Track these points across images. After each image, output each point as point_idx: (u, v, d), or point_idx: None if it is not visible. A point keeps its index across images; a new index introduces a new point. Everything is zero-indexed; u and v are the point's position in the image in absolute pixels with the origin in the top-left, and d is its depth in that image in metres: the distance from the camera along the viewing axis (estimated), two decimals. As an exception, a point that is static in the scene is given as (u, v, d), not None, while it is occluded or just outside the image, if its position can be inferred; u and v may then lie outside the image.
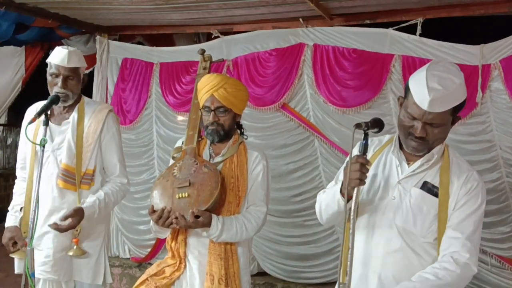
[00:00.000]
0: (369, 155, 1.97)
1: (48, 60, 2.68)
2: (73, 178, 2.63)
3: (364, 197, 1.88)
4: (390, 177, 1.89)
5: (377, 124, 1.81)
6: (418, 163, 1.86)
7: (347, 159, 2.09)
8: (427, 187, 1.84)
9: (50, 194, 2.63)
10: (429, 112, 1.72)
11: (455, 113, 1.80)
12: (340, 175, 2.04)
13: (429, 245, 1.82)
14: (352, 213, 1.72)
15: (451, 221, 1.80)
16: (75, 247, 2.61)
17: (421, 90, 1.72)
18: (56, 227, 2.50)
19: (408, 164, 1.89)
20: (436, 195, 1.83)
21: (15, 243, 2.60)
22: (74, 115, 2.69)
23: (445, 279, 1.71)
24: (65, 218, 2.51)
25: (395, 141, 1.92)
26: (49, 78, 2.64)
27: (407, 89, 1.81)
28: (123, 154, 2.83)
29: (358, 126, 1.75)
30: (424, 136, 1.77)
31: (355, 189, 1.72)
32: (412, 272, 1.79)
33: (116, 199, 2.73)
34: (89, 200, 2.61)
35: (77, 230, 2.61)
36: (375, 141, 2.03)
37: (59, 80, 2.60)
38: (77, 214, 2.53)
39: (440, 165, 1.87)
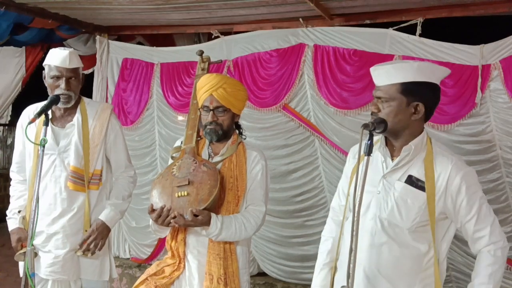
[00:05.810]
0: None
1: (45, 63, 2.64)
2: (82, 179, 2.66)
3: (352, 194, 1.93)
4: (375, 173, 1.95)
5: (382, 124, 1.86)
6: (399, 157, 1.92)
7: (347, 158, 2.10)
8: (412, 181, 1.89)
9: (58, 196, 2.65)
10: (377, 86, 1.90)
11: (409, 96, 1.85)
12: (341, 188, 2.13)
13: (412, 238, 1.88)
14: (355, 215, 1.76)
15: (468, 225, 1.89)
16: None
17: (373, 69, 1.95)
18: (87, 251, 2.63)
19: (392, 159, 1.95)
20: (420, 188, 1.88)
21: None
22: (77, 117, 2.70)
23: (498, 262, 1.87)
24: (87, 238, 2.63)
25: (381, 138, 1.99)
26: (49, 80, 2.61)
27: None
28: (127, 149, 2.90)
29: (365, 126, 1.79)
30: (376, 111, 1.88)
31: (358, 197, 1.75)
32: (396, 265, 1.87)
33: (130, 192, 2.85)
34: (107, 210, 2.70)
35: (86, 231, 2.65)
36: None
37: (62, 82, 2.58)
38: (100, 228, 2.65)
39: (423, 157, 1.91)
